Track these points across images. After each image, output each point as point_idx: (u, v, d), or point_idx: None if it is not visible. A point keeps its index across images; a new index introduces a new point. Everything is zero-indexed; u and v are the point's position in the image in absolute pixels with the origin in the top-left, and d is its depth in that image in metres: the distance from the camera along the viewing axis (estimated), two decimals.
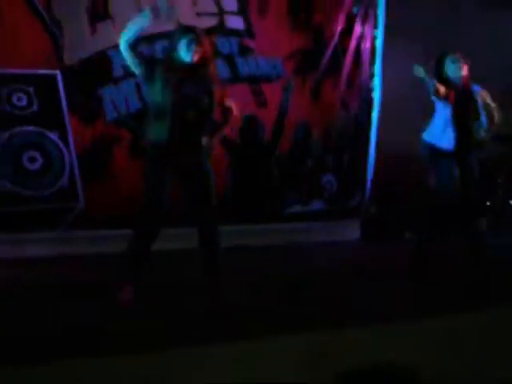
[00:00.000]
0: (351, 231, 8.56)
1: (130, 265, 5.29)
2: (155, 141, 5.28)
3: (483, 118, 6.25)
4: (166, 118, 5.19)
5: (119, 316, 4.77)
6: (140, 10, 7.19)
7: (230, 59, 7.75)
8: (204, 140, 5.36)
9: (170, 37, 5.45)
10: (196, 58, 5.27)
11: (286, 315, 4.86)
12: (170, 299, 5.27)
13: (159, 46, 7.29)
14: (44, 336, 4.24)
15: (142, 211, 5.36)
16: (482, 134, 6.25)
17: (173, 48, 5.31)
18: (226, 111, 5.58)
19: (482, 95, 6.28)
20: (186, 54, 5.25)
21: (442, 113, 6.21)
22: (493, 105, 6.29)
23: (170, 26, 7.29)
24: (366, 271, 6.49)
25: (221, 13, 7.71)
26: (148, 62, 5.38)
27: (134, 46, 5.33)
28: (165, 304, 5.14)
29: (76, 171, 7.04)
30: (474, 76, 6.36)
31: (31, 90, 6.87)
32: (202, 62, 5.33)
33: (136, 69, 5.32)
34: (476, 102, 6.25)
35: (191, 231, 5.39)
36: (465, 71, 6.21)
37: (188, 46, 5.25)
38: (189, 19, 7.50)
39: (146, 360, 3.74)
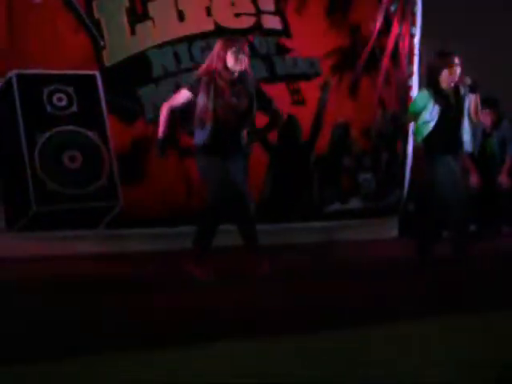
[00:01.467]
0: (389, 229, 8.55)
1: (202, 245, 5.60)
2: (201, 144, 5.54)
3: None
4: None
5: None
6: (178, 11, 7.35)
7: (267, 59, 7.79)
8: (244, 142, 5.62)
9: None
10: (243, 66, 5.53)
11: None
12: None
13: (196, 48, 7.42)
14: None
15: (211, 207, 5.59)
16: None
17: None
18: (275, 114, 5.75)
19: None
20: (234, 63, 5.48)
21: None
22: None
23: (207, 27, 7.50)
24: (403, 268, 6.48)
25: (258, 13, 7.74)
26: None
27: None
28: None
29: (115, 170, 7.12)
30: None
31: (71, 90, 6.97)
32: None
33: None
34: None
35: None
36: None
37: (236, 55, 5.47)
38: (227, 20, 7.59)
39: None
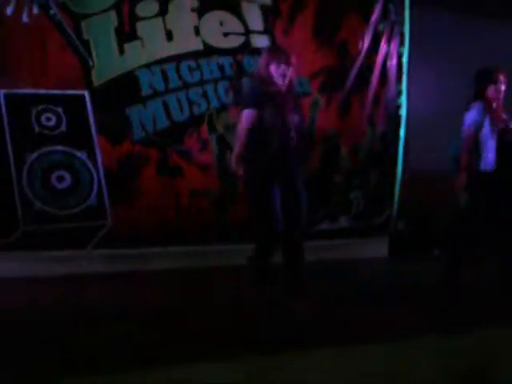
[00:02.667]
0: (379, 248, 8.53)
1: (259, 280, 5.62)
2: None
3: None
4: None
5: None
6: (167, 30, 7.36)
7: None
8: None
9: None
10: (287, 79, 5.52)
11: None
12: None
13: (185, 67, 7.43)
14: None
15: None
16: None
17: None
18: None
19: None
20: (278, 75, 5.49)
21: None
22: None
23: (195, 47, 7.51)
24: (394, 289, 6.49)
25: (247, 32, 7.75)
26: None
27: None
28: None
29: (104, 190, 7.10)
30: None
31: (60, 110, 6.96)
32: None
33: None
34: None
35: None
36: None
37: (279, 67, 5.49)
38: (215, 39, 7.60)
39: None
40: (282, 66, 5.47)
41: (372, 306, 5.67)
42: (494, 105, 6.21)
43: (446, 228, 6.76)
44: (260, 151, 5.44)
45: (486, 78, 6.27)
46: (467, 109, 6.22)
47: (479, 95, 6.22)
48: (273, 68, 5.48)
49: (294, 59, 5.58)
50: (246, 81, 7.42)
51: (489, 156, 6.19)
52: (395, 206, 8.53)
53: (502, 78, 6.26)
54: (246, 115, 5.48)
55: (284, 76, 5.48)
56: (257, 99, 5.46)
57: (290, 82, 5.57)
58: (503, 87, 6.26)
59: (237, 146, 5.48)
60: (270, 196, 5.46)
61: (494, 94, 6.22)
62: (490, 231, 6.35)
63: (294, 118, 5.51)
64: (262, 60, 5.65)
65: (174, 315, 5.29)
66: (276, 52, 5.64)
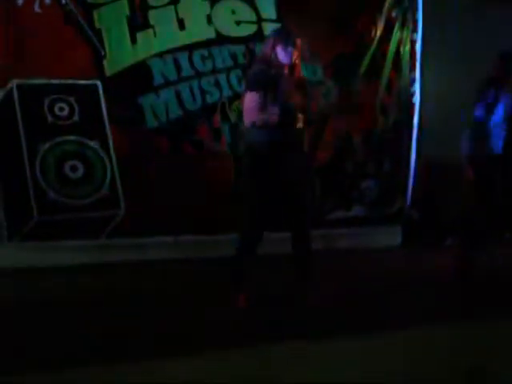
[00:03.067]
0: (392, 237, 8.51)
1: (239, 275, 5.44)
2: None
3: None
4: None
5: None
6: (179, 19, 7.34)
7: None
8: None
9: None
10: (292, 59, 5.41)
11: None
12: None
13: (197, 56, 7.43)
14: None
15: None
16: None
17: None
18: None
19: None
20: (284, 56, 5.39)
21: None
22: None
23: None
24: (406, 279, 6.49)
25: (259, 20, 7.73)
26: None
27: None
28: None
29: (117, 179, 7.11)
30: None
31: (72, 99, 6.96)
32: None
33: None
34: None
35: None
36: None
37: (286, 48, 5.39)
38: (228, 28, 7.58)
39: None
40: (289, 48, 5.40)
41: (384, 295, 5.69)
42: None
43: (458, 216, 6.75)
44: (262, 135, 5.31)
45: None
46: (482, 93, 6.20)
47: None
48: (279, 50, 5.41)
49: (299, 42, 5.46)
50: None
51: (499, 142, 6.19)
52: (408, 195, 8.52)
53: None
54: (250, 98, 5.37)
55: (291, 58, 5.40)
56: (261, 81, 5.36)
57: (295, 64, 5.45)
58: None
59: (259, 119, 5.35)
60: (269, 190, 5.37)
61: None
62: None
63: (297, 100, 5.35)
64: (268, 42, 5.56)
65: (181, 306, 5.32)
66: (283, 34, 5.53)
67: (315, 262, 5.48)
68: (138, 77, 7.24)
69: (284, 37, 5.46)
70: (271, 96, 5.32)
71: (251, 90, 5.38)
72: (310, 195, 5.61)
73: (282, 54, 5.40)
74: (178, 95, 7.36)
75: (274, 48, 5.43)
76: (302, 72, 5.60)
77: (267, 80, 5.35)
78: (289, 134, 5.32)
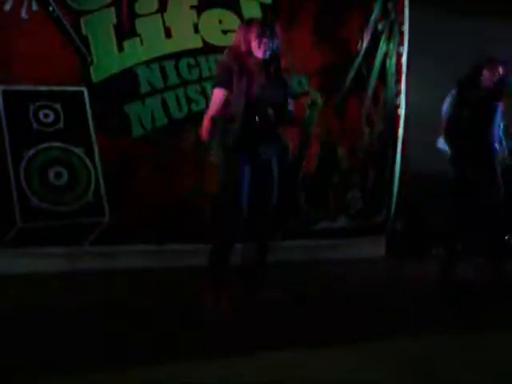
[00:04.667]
0: (376, 247, 8.52)
1: (218, 274, 5.37)
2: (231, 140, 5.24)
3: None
4: None
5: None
6: (166, 27, 7.34)
7: None
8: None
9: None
10: (269, 50, 5.25)
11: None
12: None
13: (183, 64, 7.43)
14: None
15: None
16: None
17: None
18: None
19: None
20: (258, 48, 5.22)
21: None
22: None
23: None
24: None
25: None
26: None
27: None
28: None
29: (101, 187, 7.08)
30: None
31: (58, 106, 6.94)
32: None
33: None
34: None
35: None
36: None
37: (260, 38, 5.21)
38: (214, 37, 7.59)
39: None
40: (264, 39, 5.19)
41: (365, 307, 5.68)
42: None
43: (445, 225, 6.77)
44: (232, 127, 5.17)
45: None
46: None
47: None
48: (252, 41, 5.20)
49: (278, 30, 5.33)
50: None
51: None
52: (393, 206, 8.54)
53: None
54: (216, 95, 5.27)
55: (265, 49, 5.21)
56: (227, 77, 5.19)
57: (274, 54, 5.30)
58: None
59: (206, 120, 5.29)
60: (244, 178, 5.27)
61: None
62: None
63: (272, 94, 5.25)
64: (238, 33, 5.38)
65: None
66: (255, 24, 5.30)
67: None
68: (125, 84, 7.23)
69: (258, 25, 5.26)
70: (238, 92, 5.13)
71: (215, 87, 5.30)
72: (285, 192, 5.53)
73: (255, 46, 5.22)
74: (164, 103, 7.36)
75: (245, 39, 5.24)
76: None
77: (231, 76, 5.17)
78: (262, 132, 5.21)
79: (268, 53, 5.26)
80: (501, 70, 6.44)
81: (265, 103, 5.19)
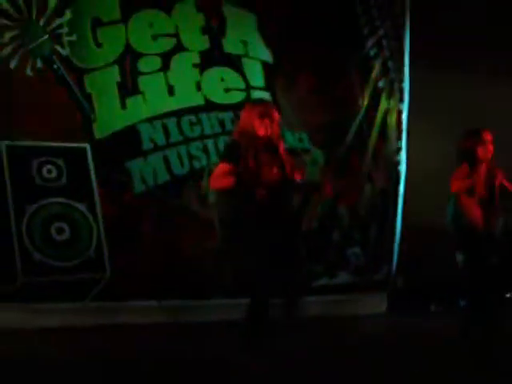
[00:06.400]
0: (378, 304, 8.49)
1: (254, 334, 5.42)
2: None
3: None
4: None
5: None
6: (169, 85, 7.44)
7: None
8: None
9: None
10: (269, 132, 5.47)
11: None
12: None
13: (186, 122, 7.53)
14: None
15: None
16: None
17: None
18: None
19: None
20: (260, 128, 5.45)
21: None
22: None
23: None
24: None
25: (247, 88, 7.84)
26: None
27: None
28: None
29: (103, 243, 7.11)
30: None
31: (61, 162, 7.01)
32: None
33: None
34: None
35: None
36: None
37: (262, 120, 5.45)
38: (216, 95, 7.69)
39: None
40: (266, 120, 5.45)
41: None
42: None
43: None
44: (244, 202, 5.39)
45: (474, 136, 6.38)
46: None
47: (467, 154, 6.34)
48: (255, 121, 5.44)
49: (276, 113, 5.55)
50: None
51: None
52: (394, 262, 8.53)
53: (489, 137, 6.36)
54: (220, 166, 5.47)
55: (267, 129, 5.44)
56: (233, 153, 5.42)
57: (273, 135, 5.51)
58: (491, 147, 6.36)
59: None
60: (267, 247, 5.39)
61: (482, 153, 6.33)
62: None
63: (273, 172, 5.46)
64: (243, 113, 5.62)
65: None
66: (258, 105, 5.63)
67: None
68: (127, 141, 7.32)
69: (259, 108, 5.53)
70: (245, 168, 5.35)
71: (222, 161, 5.48)
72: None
73: (258, 126, 5.44)
74: (166, 160, 7.42)
75: (249, 119, 5.48)
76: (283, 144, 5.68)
77: (238, 153, 5.39)
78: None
79: (267, 133, 5.47)
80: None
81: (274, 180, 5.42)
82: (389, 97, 8.51)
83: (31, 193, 6.88)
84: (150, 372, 5.18)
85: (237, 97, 7.80)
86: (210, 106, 7.66)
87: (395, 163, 8.57)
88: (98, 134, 7.20)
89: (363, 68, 8.43)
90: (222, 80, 7.76)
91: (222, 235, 5.72)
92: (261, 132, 5.44)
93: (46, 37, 6.97)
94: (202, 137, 7.62)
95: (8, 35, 6.84)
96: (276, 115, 5.56)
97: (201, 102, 7.64)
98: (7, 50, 6.83)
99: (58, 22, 7.03)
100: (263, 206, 5.36)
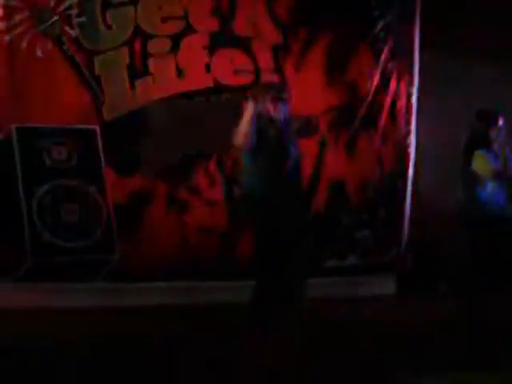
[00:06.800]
0: (387, 285, 8.50)
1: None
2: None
3: None
4: None
5: None
6: (178, 67, 7.45)
7: None
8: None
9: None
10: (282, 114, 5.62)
11: None
12: None
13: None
14: None
15: None
16: None
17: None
18: None
19: None
20: (273, 111, 5.61)
21: None
22: None
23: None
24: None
25: (257, 70, 7.84)
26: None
27: None
28: None
29: (113, 224, 7.14)
30: None
31: (71, 144, 7.04)
32: None
33: None
34: None
35: None
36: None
37: (275, 103, 5.62)
38: (226, 77, 7.69)
39: None
40: (279, 103, 5.58)
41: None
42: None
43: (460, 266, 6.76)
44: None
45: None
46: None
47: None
48: (267, 103, 5.58)
49: (286, 95, 5.73)
50: None
51: None
52: (403, 244, 8.54)
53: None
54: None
55: (281, 112, 5.59)
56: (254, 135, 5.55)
57: (286, 117, 5.68)
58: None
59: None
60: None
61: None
62: None
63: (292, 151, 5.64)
64: (255, 96, 5.69)
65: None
66: (272, 89, 5.82)
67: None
68: (137, 123, 7.34)
69: (274, 93, 5.67)
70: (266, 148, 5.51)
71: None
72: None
73: (273, 109, 5.59)
74: (176, 141, 7.43)
75: (264, 103, 5.60)
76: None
77: (260, 134, 5.54)
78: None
79: (281, 116, 5.63)
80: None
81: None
82: (398, 79, 8.49)
83: (41, 174, 6.91)
84: (160, 352, 5.21)
85: (246, 78, 7.79)
86: (219, 88, 7.66)
87: (405, 146, 8.58)
88: (107, 116, 7.22)
89: (373, 50, 8.41)
90: (232, 61, 7.76)
91: (246, 210, 5.80)
92: (275, 114, 5.58)
93: (56, 18, 6.99)
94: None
95: (18, 17, 6.87)
96: (286, 98, 5.65)
97: (210, 83, 7.64)
98: (17, 32, 6.85)
99: (67, 3, 7.04)
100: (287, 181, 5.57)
